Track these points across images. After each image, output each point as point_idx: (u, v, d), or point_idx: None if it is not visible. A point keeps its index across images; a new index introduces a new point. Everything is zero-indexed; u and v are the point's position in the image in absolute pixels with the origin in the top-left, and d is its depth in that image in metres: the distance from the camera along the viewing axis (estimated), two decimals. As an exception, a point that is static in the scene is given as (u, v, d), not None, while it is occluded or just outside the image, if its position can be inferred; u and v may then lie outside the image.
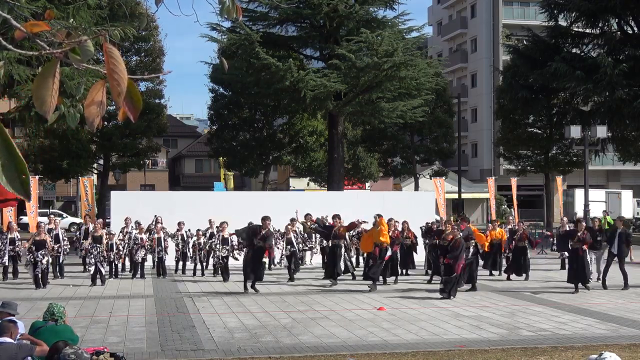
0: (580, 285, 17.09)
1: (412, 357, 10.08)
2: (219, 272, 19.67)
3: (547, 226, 39.79)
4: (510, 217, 27.18)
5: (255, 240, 16.90)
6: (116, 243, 19.65)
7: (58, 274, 19.61)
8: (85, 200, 28.69)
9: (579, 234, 17.18)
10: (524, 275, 19.75)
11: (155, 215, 20.78)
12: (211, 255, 20.20)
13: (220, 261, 19.46)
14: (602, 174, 55.93)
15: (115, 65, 1.77)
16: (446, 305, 14.89)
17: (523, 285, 18.58)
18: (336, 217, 19.76)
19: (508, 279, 19.64)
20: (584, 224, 18.05)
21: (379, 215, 17.86)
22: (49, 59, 1.88)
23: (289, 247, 19.89)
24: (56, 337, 6.97)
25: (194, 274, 20.39)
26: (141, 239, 19.87)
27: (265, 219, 17.33)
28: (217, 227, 20.09)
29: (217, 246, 19.54)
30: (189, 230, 20.94)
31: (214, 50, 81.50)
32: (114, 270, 19.84)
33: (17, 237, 19.69)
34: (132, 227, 20.49)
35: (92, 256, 18.78)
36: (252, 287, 17.00)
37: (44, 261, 17.74)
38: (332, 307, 14.59)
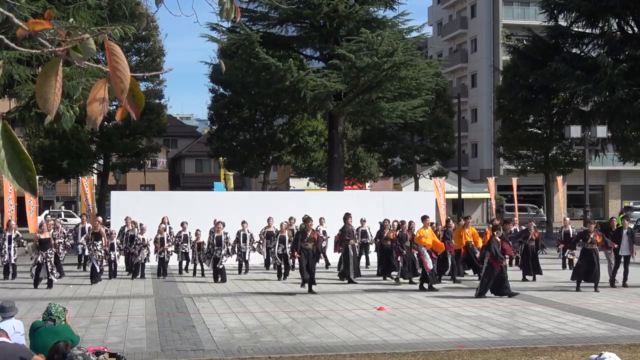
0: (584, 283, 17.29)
1: (412, 357, 10.07)
2: (218, 278, 18.99)
3: (547, 226, 39.79)
4: (515, 219, 26.98)
5: (302, 243, 17.04)
6: (116, 243, 19.64)
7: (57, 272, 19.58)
8: (85, 200, 28.72)
9: (591, 235, 17.39)
10: (533, 276, 19.63)
11: (164, 217, 20.85)
12: (208, 257, 19.86)
13: (217, 264, 18.94)
14: (602, 174, 55.88)
15: (118, 62, 1.77)
16: (446, 305, 14.90)
17: (523, 285, 18.54)
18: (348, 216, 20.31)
19: (524, 279, 19.42)
20: (593, 225, 18.12)
21: (425, 217, 18.06)
22: (49, 58, 1.88)
23: (282, 246, 19.77)
24: (56, 337, 6.97)
25: (194, 274, 20.37)
26: (143, 239, 19.83)
27: (306, 220, 17.52)
28: (211, 228, 19.89)
29: (212, 248, 19.34)
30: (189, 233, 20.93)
31: (214, 50, 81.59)
32: (114, 269, 19.82)
33: (17, 235, 19.69)
34: (130, 227, 20.44)
35: (90, 253, 18.77)
36: (309, 289, 16.80)
37: (52, 260, 17.77)
38: (332, 307, 14.59)
